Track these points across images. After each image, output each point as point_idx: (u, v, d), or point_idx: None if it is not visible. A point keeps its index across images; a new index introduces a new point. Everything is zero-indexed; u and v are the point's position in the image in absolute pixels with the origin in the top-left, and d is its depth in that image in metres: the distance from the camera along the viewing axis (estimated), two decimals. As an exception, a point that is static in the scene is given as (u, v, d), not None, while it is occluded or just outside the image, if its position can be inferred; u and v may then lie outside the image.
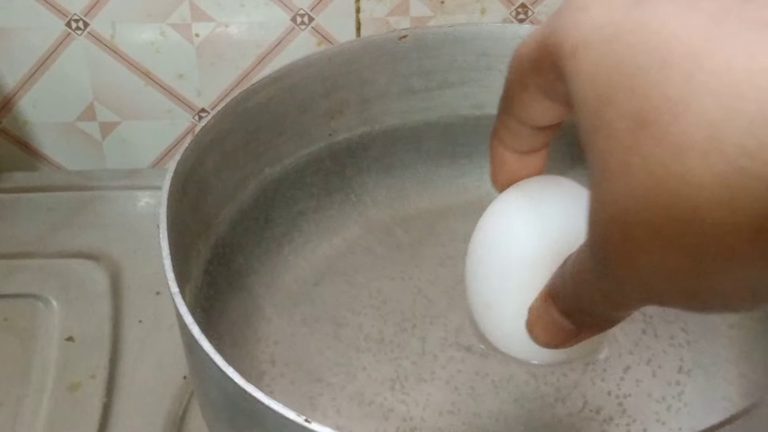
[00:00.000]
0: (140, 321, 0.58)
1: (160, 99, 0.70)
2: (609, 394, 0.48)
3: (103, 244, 0.63)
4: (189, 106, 0.70)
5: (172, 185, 0.44)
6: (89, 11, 0.66)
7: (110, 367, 0.56)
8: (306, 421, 0.35)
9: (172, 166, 0.45)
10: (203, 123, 0.48)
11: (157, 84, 0.69)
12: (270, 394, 0.44)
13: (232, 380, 0.37)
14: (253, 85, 0.51)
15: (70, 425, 0.52)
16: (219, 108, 0.49)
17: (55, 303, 0.59)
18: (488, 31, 0.55)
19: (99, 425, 0.52)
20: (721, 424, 0.34)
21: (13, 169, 0.71)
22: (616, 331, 0.48)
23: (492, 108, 0.58)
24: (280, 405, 0.36)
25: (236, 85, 0.69)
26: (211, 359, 0.38)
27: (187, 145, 0.47)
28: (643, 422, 0.47)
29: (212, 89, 0.70)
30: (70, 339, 0.57)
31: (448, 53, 0.56)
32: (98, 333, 0.57)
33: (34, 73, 0.69)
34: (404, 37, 0.54)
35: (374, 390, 0.48)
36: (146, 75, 0.69)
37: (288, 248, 0.54)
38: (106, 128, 0.71)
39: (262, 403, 0.36)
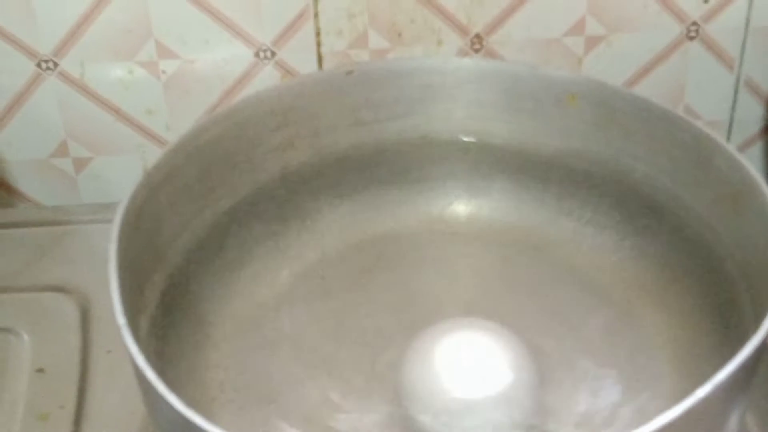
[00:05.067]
0: (109, 351, 0.60)
1: (130, 134, 0.72)
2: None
3: (74, 277, 0.65)
4: (159, 141, 0.73)
5: (123, 221, 0.47)
6: (58, 52, 0.68)
7: (79, 397, 0.57)
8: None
9: (123, 202, 0.47)
10: (155, 160, 0.50)
11: (127, 120, 0.72)
12: (220, 419, 0.46)
13: (173, 408, 0.39)
14: (203, 122, 0.53)
15: (39, 454, 0.54)
16: (170, 145, 0.51)
17: (26, 336, 0.61)
18: (431, 64, 0.58)
19: (67, 454, 0.54)
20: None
21: (-9, 207, 0.74)
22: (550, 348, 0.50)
23: (437, 136, 0.61)
24: (220, 430, 0.38)
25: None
26: (154, 388, 0.40)
27: (138, 181, 0.49)
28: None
29: (181, 124, 0.72)
30: (40, 370, 0.59)
31: (394, 86, 0.58)
32: (68, 364, 0.59)
33: (8, 112, 0.71)
34: (350, 72, 0.57)
35: (324, 411, 0.50)
36: (116, 111, 0.71)
37: (242, 275, 0.56)
38: (79, 164, 0.74)
39: (204, 430, 0.38)
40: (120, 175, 0.74)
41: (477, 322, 0.50)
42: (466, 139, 0.61)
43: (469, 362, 0.48)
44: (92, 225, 0.71)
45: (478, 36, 0.69)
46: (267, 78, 0.70)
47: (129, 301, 0.44)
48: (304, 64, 0.70)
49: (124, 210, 0.47)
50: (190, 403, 0.39)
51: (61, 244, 0.69)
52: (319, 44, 0.69)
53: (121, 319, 0.42)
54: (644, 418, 0.37)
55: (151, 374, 0.40)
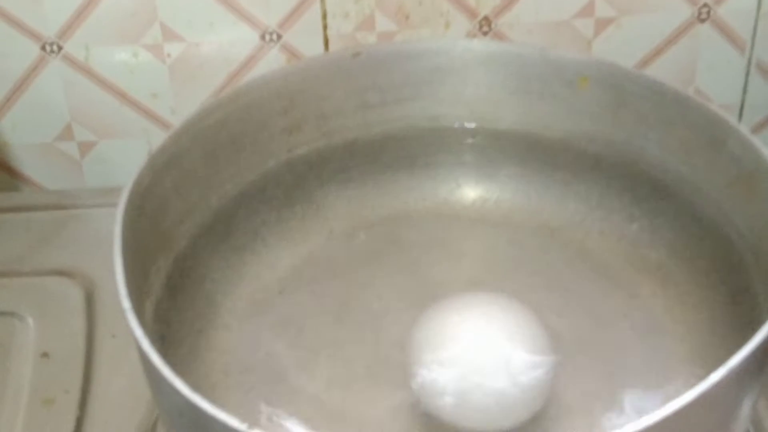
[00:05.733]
0: (113, 336, 0.60)
1: (135, 118, 0.72)
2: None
3: (78, 261, 0.65)
4: (164, 124, 0.72)
5: (127, 204, 0.46)
6: (63, 35, 0.68)
7: (84, 381, 0.57)
8: (249, 428, 0.37)
9: (127, 186, 0.47)
10: (160, 144, 0.49)
11: (132, 103, 0.71)
12: (226, 403, 0.46)
13: (178, 392, 0.39)
14: (209, 104, 0.52)
15: (44, 439, 0.54)
16: (174, 128, 0.50)
17: (30, 320, 0.61)
18: (439, 46, 0.57)
19: (72, 439, 0.54)
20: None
21: (-5, 191, 0.73)
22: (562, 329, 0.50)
23: (446, 120, 0.60)
24: (224, 413, 0.37)
25: (209, 103, 0.71)
26: (159, 372, 0.39)
27: (143, 165, 0.48)
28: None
29: (186, 107, 0.72)
30: (45, 355, 0.59)
31: (401, 69, 0.58)
32: (72, 349, 0.59)
33: (12, 95, 0.71)
34: (358, 54, 0.56)
35: (330, 393, 0.50)
36: (121, 95, 0.71)
37: (249, 259, 0.56)
38: (84, 148, 0.73)
39: (209, 414, 0.38)
40: (125, 158, 0.74)
41: (496, 297, 0.50)
42: (474, 122, 0.60)
43: (485, 338, 0.48)
44: (97, 209, 0.70)
45: (486, 18, 0.68)
46: (273, 61, 0.69)
47: (134, 285, 0.44)
48: (310, 47, 0.69)
49: (129, 193, 0.46)
50: (195, 387, 0.38)
51: (65, 228, 0.69)
52: (325, 27, 0.68)
53: (126, 303, 0.42)
54: (656, 402, 0.36)
55: (156, 358, 0.39)
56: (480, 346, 0.47)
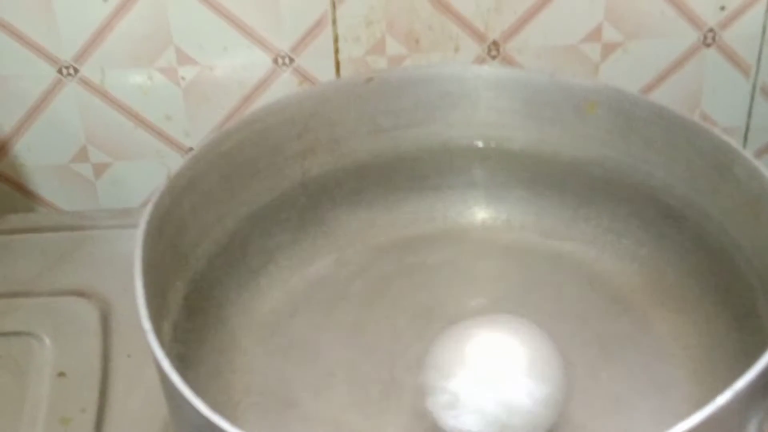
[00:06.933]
0: (129, 356, 0.61)
1: (149, 140, 0.73)
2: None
3: (94, 281, 0.66)
4: (178, 147, 0.73)
5: (147, 227, 0.47)
6: (79, 58, 0.69)
7: (100, 401, 0.58)
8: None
9: (147, 209, 0.48)
10: (178, 167, 0.50)
11: (146, 126, 0.72)
12: (244, 423, 0.47)
13: (198, 412, 0.39)
14: (226, 129, 0.53)
15: (61, 458, 0.55)
16: (193, 152, 0.51)
17: (47, 340, 0.62)
18: (450, 71, 0.58)
19: (89, 458, 0.55)
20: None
21: (11, 211, 0.74)
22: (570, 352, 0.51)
23: (456, 143, 0.61)
24: (242, 433, 0.38)
25: (222, 125, 0.72)
26: (180, 392, 0.40)
27: (162, 188, 0.49)
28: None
29: (199, 129, 0.73)
30: (62, 374, 0.60)
31: (413, 93, 0.58)
32: (89, 368, 0.60)
33: (29, 118, 0.72)
34: (370, 79, 0.57)
35: (346, 416, 0.51)
36: (135, 117, 0.72)
37: (264, 280, 0.57)
38: (99, 169, 0.74)
39: (226, 432, 0.39)
40: (139, 180, 0.75)
41: (510, 319, 0.50)
42: (484, 146, 0.61)
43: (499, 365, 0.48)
44: (112, 230, 0.71)
45: (495, 43, 0.69)
46: (285, 84, 0.70)
47: (152, 306, 0.45)
48: (322, 71, 0.70)
49: (149, 216, 0.47)
50: (214, 407, 0.39)
51: (81, 249, 0.70)
52: (336, 51, 0.69)
53: (146, 325, 0.42)
54: (662, 425, 0.37)
55: (176, 378, 0.40)
56: (493, 370, 0.47)
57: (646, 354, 0.53)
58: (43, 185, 0.75)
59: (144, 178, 0.75)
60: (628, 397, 0.51)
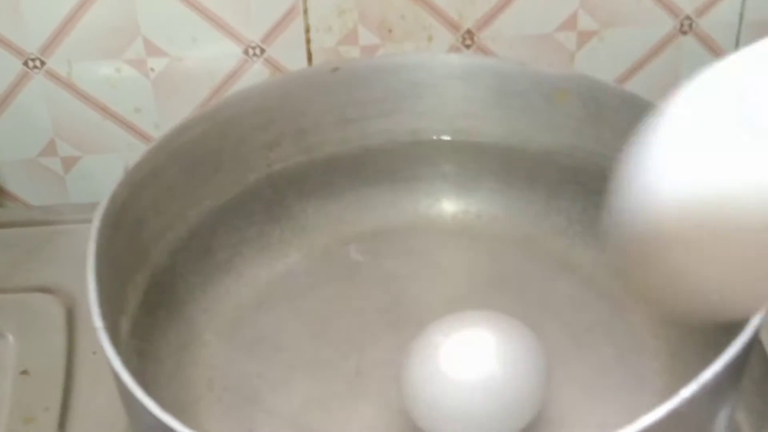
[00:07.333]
0: (94, 353, 0.59)
1: (118, 133, 0.72)
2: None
3: (60, 277, 0.65)
4: (147, 139, 0.72)
5: (102, 221, 0.46)
6: (45, 50, 0.68)
7: (64, 399, 0.57)
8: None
9: (103, 203, 0.47)
10: (136, 159, 0.49)
11: (116, 118, 0.71)
12: (206, 418, 0.46)
13: (150, 412, 0.38)
14: (186, 120, 0.52)
15: (24, 457, 0.54)
16: (151, 144, 0.50)
17: (11, 337, 0.60)
18: (418, 60, 0.57)
19: (52, 457, 0.53)
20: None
21: (-21, 207, 0.73)
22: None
23: (425, 133, 0.60)
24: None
25: (192, 117, 0.71)
26: (131, 392, 0.39)
27: (118, 181, 0.48)
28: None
29: (170, 122, 0.71)
30: (25, 372, 0.59)
31: (381, 83, 0.58)
32: (53, 366, 0.59)
33: (-5, 111, 0.71)
34: (336, 69, 0.56)
35: (309, 412, 0.50)
36: (104, 110, 0.71)
37: (229, 275, 0.56)
38: (68, 163, 0.73)
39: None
40: (109, 173, 0.73)
41: (491, 317, 0.49)
42: (453, 136, 0.60)
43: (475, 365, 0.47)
44: (81, 225, 0.69)
45: (469, 32, 0.68)
46: (256, 75, 0.69)
47: (110, 302, 0.44)
48: (294, 61, 0.69)
49: (104, 210, 0.46)
50: (176, 403, 0.39)
51: (49, 244, 0.68)
52: (308, 41, 0.68)
53: (98, 322, 0.42)
54: (633, 417, 0.36)
55: (127, 377, 0.39)
56: (467, 364, 0.46)
57: (619, 344, 0.53)
58: (10, 180, 0.74)
59: (114, 172, 0.72)
60: (599, 389, 0.51)
